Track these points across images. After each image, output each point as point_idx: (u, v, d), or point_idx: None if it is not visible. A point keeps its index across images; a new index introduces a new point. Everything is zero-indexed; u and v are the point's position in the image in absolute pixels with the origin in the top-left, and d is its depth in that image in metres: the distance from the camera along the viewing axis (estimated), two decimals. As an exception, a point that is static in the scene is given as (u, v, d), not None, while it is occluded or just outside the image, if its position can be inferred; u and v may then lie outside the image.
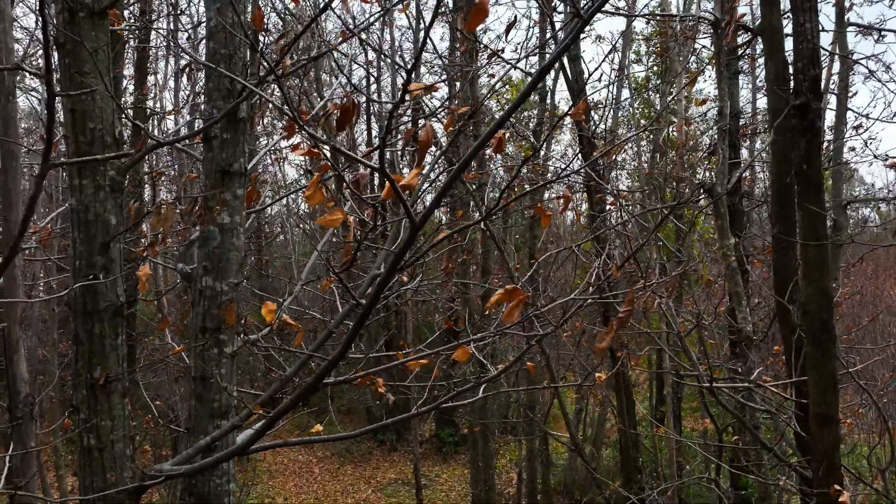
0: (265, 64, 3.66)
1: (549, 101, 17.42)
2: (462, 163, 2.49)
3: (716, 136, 9.84)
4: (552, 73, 17.51)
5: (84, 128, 3.65)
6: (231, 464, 4.32)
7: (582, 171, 8.93)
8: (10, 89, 4.72)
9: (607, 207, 9.94)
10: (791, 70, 6.05)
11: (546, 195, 18.89)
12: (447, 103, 14.14)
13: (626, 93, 17.23)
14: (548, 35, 13.56)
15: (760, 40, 10.97)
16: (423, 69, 19.61)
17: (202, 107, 4.77)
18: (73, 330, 3.74)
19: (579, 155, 11.38)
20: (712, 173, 8.42)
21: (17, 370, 4.76)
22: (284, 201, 29.69)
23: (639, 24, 17.93)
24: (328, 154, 3.04)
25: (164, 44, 17.03)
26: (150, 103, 16.66)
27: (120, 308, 3.76)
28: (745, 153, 14.68)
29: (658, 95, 16.24)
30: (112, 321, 3.75)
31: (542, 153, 16.24)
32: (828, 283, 5.48)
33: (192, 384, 4.32)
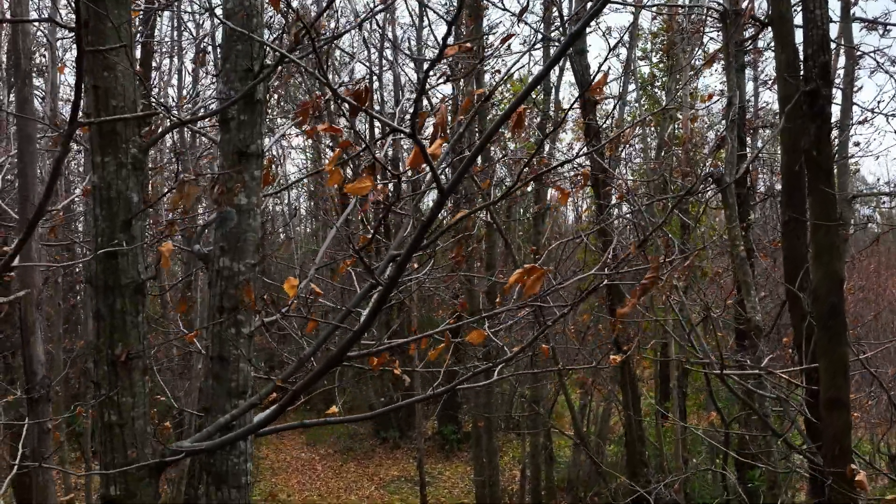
0: (282, 43, 3.70)
1: (552, 97, 17.44)
2: (491, 129, 2.52)
3: (723, 130, 9.87)
4: (556, 69, 17.56)
5: (107, 105, 3.68)
6: (249, 443, 4.34)
7: (588, 158, 8.94)
8: (27, 73, 4.76)
9: (614, 200, 9.97)
10: (801, 58, 6.10)
11: (550, 193, 18.95)
12: (452, 97, 14.16)
13: (632, 90, 17.25)
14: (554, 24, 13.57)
15: (769, 32, 11.01)
16: (424, 65, 19.61)
17: (217, 90, 4.80)
18: (95, 306, 3.76)
19: (585, 148, 11.41)
20: (720, 164, 8.45)
21: (33, 352, 4.80)
22: (285, 201, 29.78)
23: (645, 22, 17.96)
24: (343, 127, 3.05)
25: (169, 39, 17.10)
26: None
27: (141, 285, 3.78)
28: (748, 151, 14.68)
29: (664, 92, 16.27)
30: (133, 298, 3.78)
31: (547, 148, 16.26)
32: (838, 267, 5.51)
33: (209, 364, 4.35)
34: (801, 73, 5.92)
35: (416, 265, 6.69)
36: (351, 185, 2.65)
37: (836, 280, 5.48)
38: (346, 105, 3.45)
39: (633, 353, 11.61)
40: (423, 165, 3.24)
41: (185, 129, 14.18)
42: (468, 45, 2.47)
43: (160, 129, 4.09)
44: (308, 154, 27.65)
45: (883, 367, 10.08)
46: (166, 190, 3.67)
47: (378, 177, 3.75)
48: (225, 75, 4.49)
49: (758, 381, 6.68)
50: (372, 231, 3.26)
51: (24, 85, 4.77)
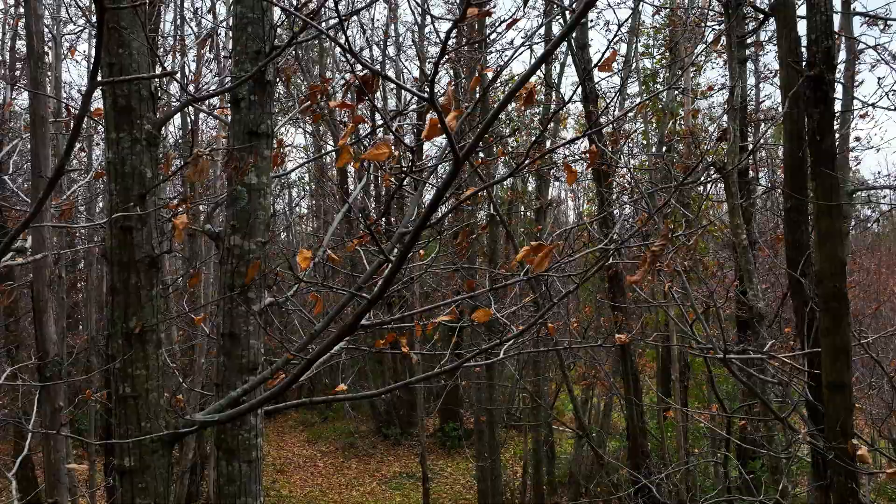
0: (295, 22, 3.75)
1: (554, 92, 17.46)
2: (506, 97, 2.57)
3: (724, 120, 9.92)
4: (557, 65, 17.64)
5: (121, 81, 3.74)
6: (259, 419, 4.40)
7: (589, 141, 8.99)
8: (40, 54, 4.82)
9: (615, 196, 10.03)
10: (804, 45, 6.15)
11: (551, 192, 19.02)
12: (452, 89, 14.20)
13: (633, 80, 17.28)
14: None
15: (770, 25, 11.07)
16: (428, 64, 19.69)
17: (228, 71, 4.86)
18: (110, 280, 3.82)
19: (587, 138, 11.46)
20: (723, 158, 8.51)
21: (45, 331, 4.85)
22: (286, 198, 29.84)
23: (647, 18, 18.05)
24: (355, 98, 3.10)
25: (171, 36, 17.15)
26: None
27: (155, 259, 3.84)
28: (749, 143, 14.71)
29: (666, 88, 16.30)
30: (147, 272, 3.83)
31: (549, 144, 16.30)
32: (841, 251, 5.57)
33: (220, 341, 4.41)
34: (804, 59, 5.99)
35: (421, 252, 6.74)
36: (368, 152, 2.70)
37: (839, 263, 5.54)
38: (360, 81, 3.49)
39: (635, 345, 11.64)
40: (459, 115, 3.25)
41: (191, 117, 14.20)
42: (488, 8, 2.52)
43: (171, 109, 4.14)
44: (309, 152, 27.71)
45: (884, 354, 10.13)
46: (179, 166, 3.73)
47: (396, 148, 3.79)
48: (236, 57, 4.55)
49: (760, 368, 6.73)
50: (386, 200, 3.31)
51: (36, 66, 4.83)
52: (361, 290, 4.35)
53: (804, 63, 5.87)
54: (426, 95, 2.48)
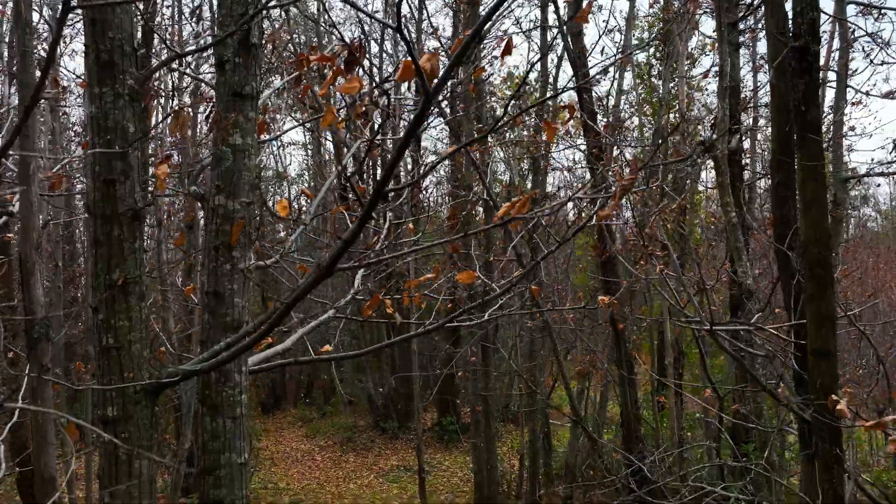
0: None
1: (550, 85, 17.51)
2: (478, 26, 2.60)
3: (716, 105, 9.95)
4: (555, 57, 17.67)
5: (104, 37, 3.78)
6: (243, 376, 4.43)
7: (585, 139, 9.03)
8: (28, 22, 4.86)
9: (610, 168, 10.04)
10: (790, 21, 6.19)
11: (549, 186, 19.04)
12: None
13: (629, 79, 17.33)
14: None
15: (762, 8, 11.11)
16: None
17: (214, 32, 4.90)
18: (93, 233, 3.86)
19: (583, 128, 11.50)
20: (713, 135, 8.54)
21: (33, 294, 4.89)
22: (286, 194, 29.89)
23: (642, 10, 18.10)
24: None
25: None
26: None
27: (138, 212, 3.88)
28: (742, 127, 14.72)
29: (661, 81, 16.36)
30: (130, 225, 3.87)
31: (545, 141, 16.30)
32: (825, 220, 5.60)
33: (204, 299, 4.44)
34: (791, 33, 6.03)
35: (410, 226, 6.77)
36: (341, 86, 2.74)
37: (824, 232, 5.57)
38: (350, 48, 3.50)
39: (629, 332, 11.66)
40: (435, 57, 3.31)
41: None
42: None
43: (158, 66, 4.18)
44: (309, 149, 27.76)
45: (870, 330, 10.15)
46: (161, 119, 3.77)
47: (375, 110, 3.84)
48: (220, 20, 4.60)
49: (748, 342, 6.76)
50: (364, 153, 3.35)
51: (24, 34, 4.87)
52: (349, 245, 4.37)
53: (790, 34, 5.91)
54: (393, 25, 2.52)
